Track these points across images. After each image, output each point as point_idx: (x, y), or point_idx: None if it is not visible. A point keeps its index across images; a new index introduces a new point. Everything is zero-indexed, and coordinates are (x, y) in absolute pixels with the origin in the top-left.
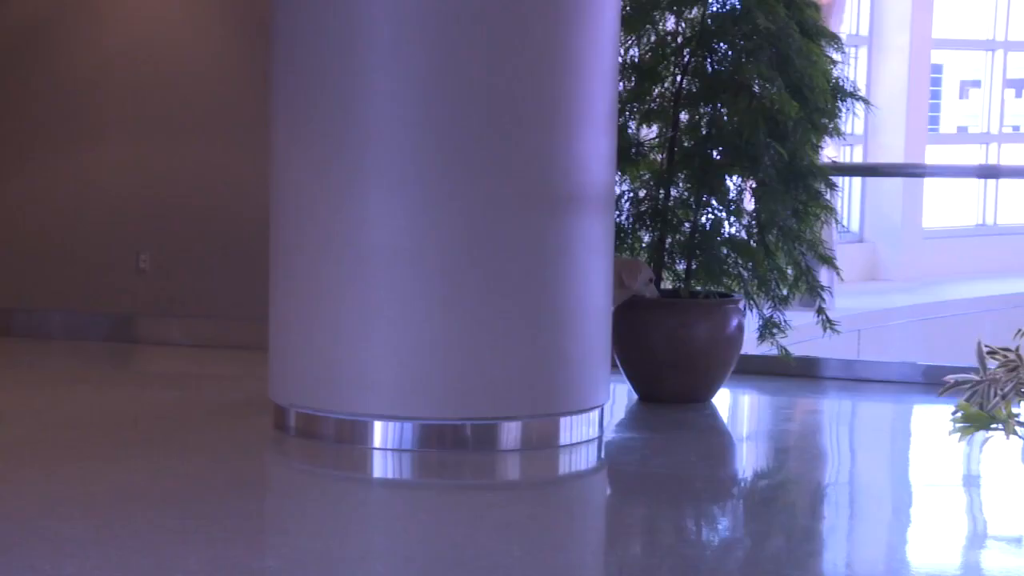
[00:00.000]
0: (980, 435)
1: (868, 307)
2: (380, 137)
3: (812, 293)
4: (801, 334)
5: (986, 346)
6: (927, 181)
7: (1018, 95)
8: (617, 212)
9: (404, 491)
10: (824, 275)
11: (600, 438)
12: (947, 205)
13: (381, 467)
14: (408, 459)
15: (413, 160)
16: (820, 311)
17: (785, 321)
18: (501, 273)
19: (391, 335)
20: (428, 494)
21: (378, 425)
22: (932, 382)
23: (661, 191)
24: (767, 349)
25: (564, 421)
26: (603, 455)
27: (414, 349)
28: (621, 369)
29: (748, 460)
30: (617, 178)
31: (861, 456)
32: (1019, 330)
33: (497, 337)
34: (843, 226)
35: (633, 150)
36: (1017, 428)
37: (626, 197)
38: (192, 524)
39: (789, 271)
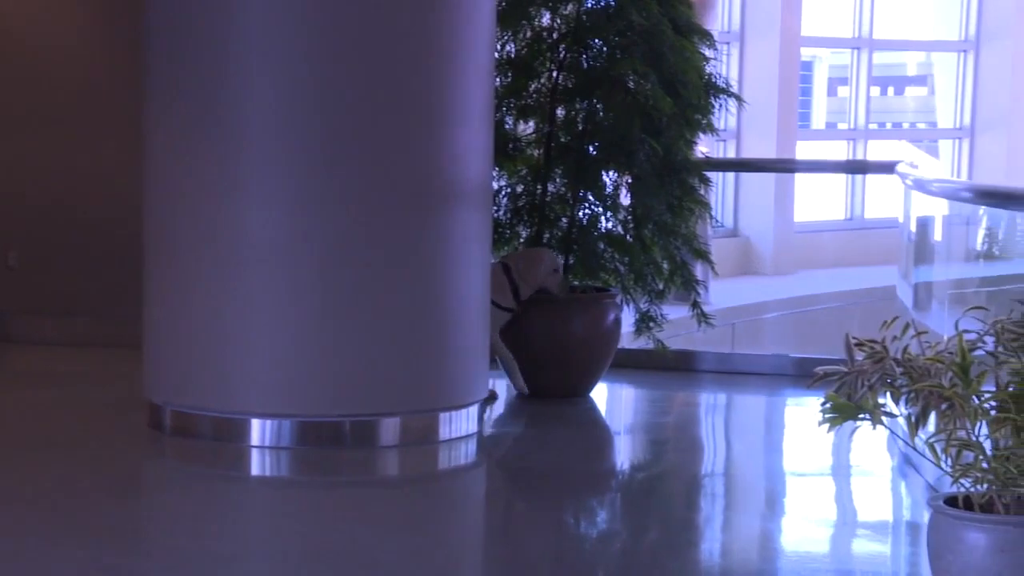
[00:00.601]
0: (848, 425)
1: (742, 301)
2: (256, 132)
3: (687, 287)
4: (677, 328)
5: (854, 338)
6: (798, 176)
7: (883, 92)
8: (495, 207)
9: (282, 489)
10: (699, 269)
11: (479, 433)
12: (817, 200)
13: (259, 465)
14: (286, 457)
15: (289, 156)
16: (695, 305)
17: (661, 315)
18: (378, 268)
19: (268, 332)
20: (306, 491)
21: (255, 423)
22: (803, 374)
23: (538, 186)
24: (644, 343)
25: (443, 416)
26: (482, 450)
27: (291, 346)
28: (500, 362)
29: (626, 453)
30: (495, 173)
31: (736, 447)
32: (885, 322)
33: (374, 333)
34: (717, 220)
35: (510, 145)
36: (883, 418)
37: (504, 192)
38: (65, 525)
39: (665, 265)
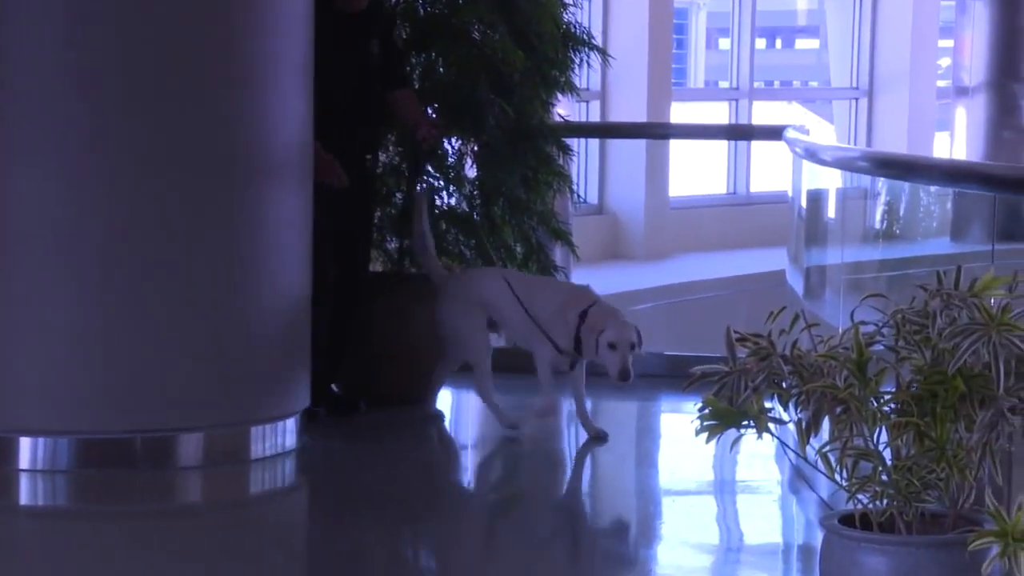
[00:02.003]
0: (731, 434)
1: (609, 289)
2: (26, 101)
3: (544, 274)
4: None
5: (736, 332)
6: (673, 143)
7: (770, 45)
8: None
9: (58, 521)
10: (558, 253)
11: (299, 450)
12: (696, 171)
13: (29, 492)
14: (63, 481)
15: (65, 128)
16: None
17: None
18: (173, 258)
19: (40, 336)
20: (89, 523)
21: (25, 442)
22: (679, 375)
23: (368, 156)
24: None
25: (255, 431)
26: (303, 469)
27: (68, 351)
28: None
29: (474, 471)
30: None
31: (602, 462)
32: (771, 313)
33: (170, 334)
34: (579, 196)
35: None
36: (770, 425)
37: None
38: None
39: (518, 249)
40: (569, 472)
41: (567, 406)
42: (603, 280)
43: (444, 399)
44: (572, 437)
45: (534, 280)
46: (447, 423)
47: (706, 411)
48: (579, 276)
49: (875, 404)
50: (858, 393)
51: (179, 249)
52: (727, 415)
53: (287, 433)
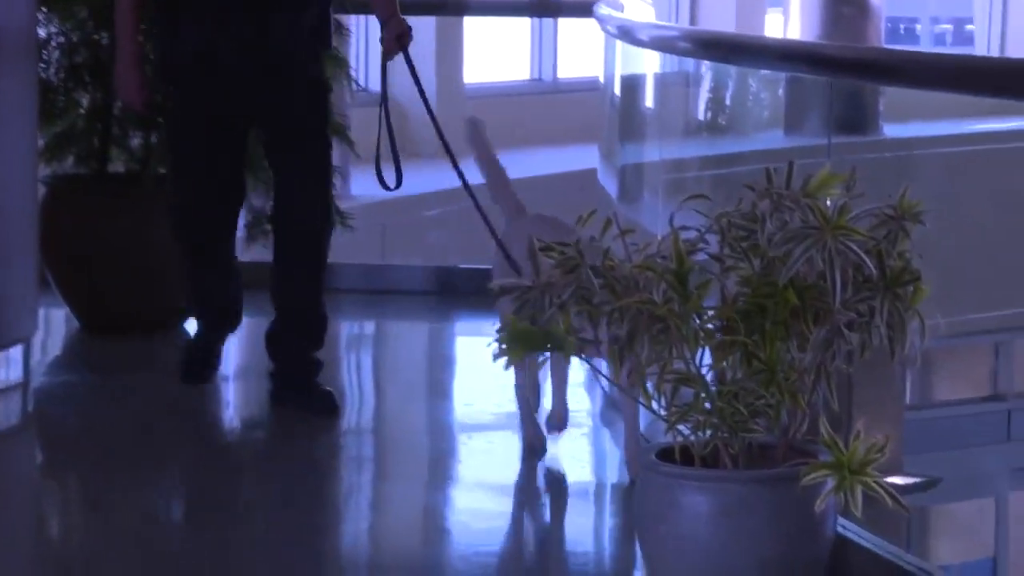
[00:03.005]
0: (535, 358)
1: (394, 192)
2: None
3: None
4: None
5: (539, 240)
6: (468, 21)
7: None
8: (42, 64)
9: None
10: (336, 151)
11: (26, 384)
12: (494, 54)
13: None
14: None
15: None
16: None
17: None
18: None
19: None
20: None
21: None
22: (476, 291)
23: (103, 35)
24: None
25: None
26: (30, 407)
27: None
28: (55, 288)
29: (234, 407)
30: (40, 16)
31: (387, 394)
32: (580, 217)
33: None
34: (358, 84)
35: None
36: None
37: (55, 43)
38: None
39: None
40: (349, 407)
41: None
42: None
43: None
44: (353, 365)
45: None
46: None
47: (505, 332)
48: (359, 178)
49: (697, 322)
50: (678, 309)
51: None
52: (529, 336)
53: (12, 365)
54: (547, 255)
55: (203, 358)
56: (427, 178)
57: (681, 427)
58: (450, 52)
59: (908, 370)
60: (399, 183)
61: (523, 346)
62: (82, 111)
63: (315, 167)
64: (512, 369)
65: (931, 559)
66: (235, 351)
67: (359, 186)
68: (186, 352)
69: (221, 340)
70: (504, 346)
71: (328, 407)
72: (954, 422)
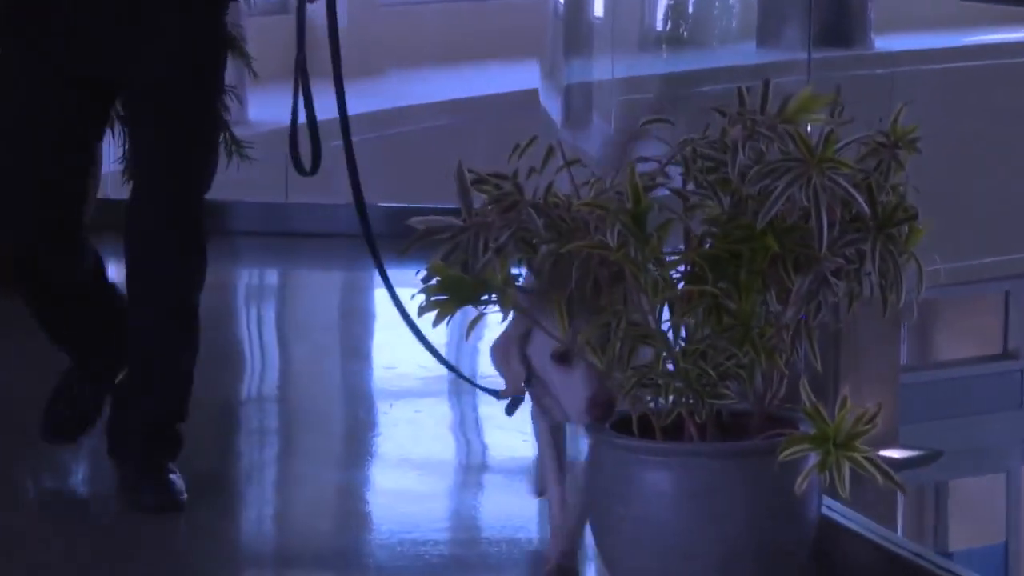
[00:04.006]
0: (467, 312)
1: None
2: None
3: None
4: None
5: (471, 173)
6: None
7: None
8: None
9: None
10: (231, 70)
11: None
12: None
13: None
14: None
15: None
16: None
17: None
18: None
19: None
20: None
21: None
22: (399, 233)
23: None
24: None
25: None
26: None
27: None
28: None
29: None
30: None
31: (296, 356)
32: (517, 146)
33: None
34: None
35: None
36: (520, 298)
37: None
38: None
39: None
40: (249, 370)
41: None
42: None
43: None
44: (254, 320)
45: None
46: None
47: (433, 282)
48: (257, 101)
49: (656, 269)
50: (634, 255)
51: None
52: (461, 287)
53: None
54: (480, 190)
55: (73, 407)
56: (335, 100)
57: (639, 393)
58: None
59: (904, 325)
60: (316, 167)
61: (455, 298)
62: None
63: (179, 163)
64: (432, 320)
65: (930, 544)
66: None
67: (258, 110)
68: (52, 396)
69: (103, 382)
70: (432, 298)
71: (168, 504)
72: (958, 385)
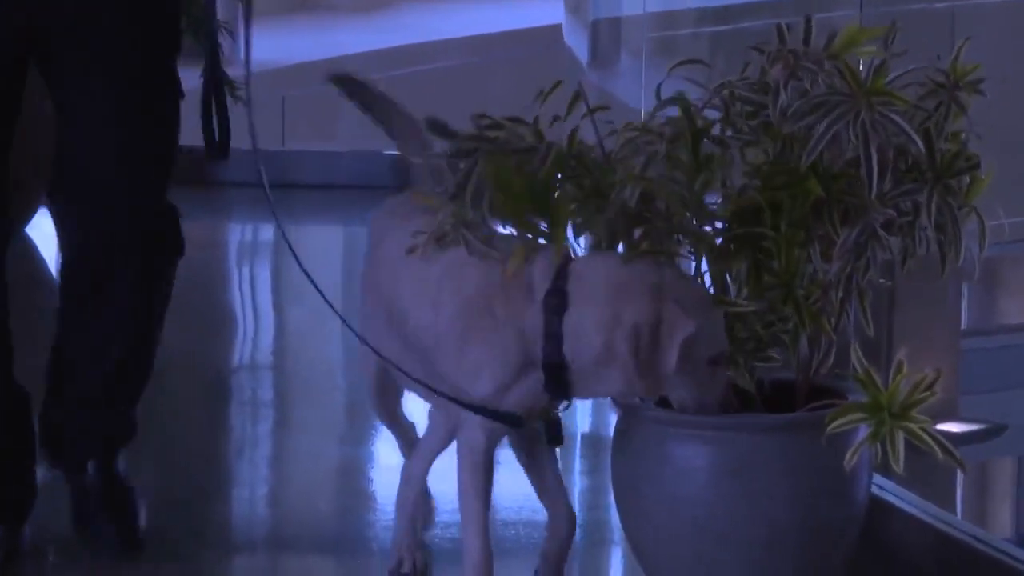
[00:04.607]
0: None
1: (295, 55)
2: None
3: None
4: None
5: (486, 119)
6: None
7: None
8: None
9: None
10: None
11: None
12: None
13: None
14: None
15: None
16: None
17: None
18: None
19: None
20: None
21: None
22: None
23: None
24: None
25: None
26: None
27: None
28: None
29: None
30: None
31: (291, 319)
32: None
33: None
34: None
35: None
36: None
37: None
38: None
39: None
40: (242, 334)
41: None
42: (289, 43)
43: (43, 226)
44: (243, 281)
45: None
46: (48, 260)
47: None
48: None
49: (694, 220)
50: (685, 191)
51: None
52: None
53: None
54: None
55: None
56: (341, 37)
57: None
58: None
59: (965, 285)
60: (224, 151)
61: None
62: None
63: (136, 142)
64: None
65: (992, 528)
66: None
67: (254, 48)
68: None
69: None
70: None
71: (129, 542)
72: None
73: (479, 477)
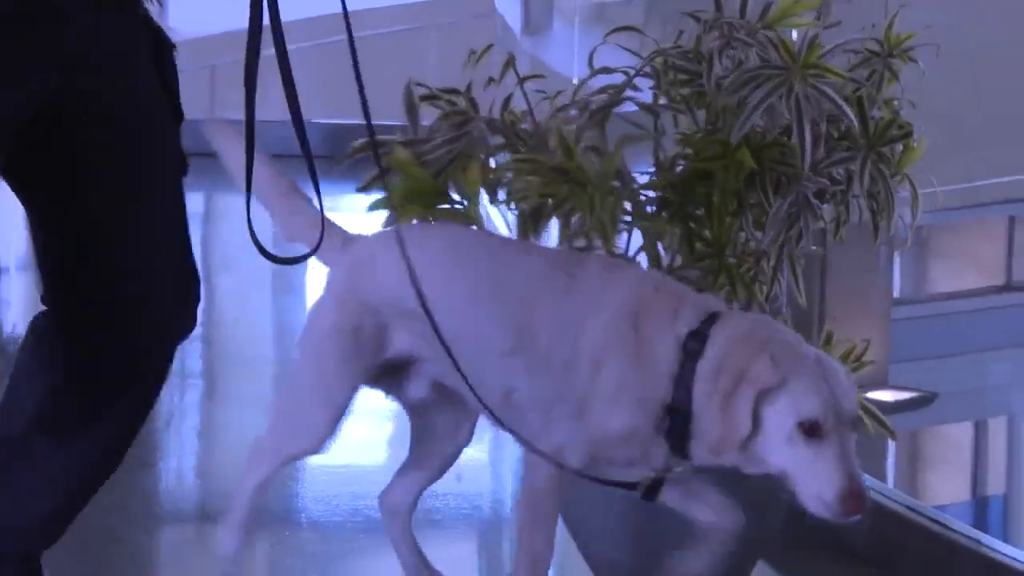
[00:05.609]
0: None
1: (222, 24)
2: None
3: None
4: None
5: (420, 86)
6: None
7: None
8: None
9: None
10: None
11: None
12: None
13: None
14: None
15: None
16: None
17: None
18: None
19: None
20: None
21: None
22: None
23: None
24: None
25: None
26: None
27: None
28: None
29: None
30: None
31: (220, 289)
32: (471, 53)
33: None
34: None
35: None
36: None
37: None
38: None
39: None
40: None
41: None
42: (219, 11)
43: None
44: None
45: None
46: None
47: (378, 201)
48: (180, 5)
49: (621, 188)
50: (596, 170)
51: None
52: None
53: None
54: (433, 105)
55: None
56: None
57: None
58: None
59: (896, 253)
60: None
61: (419, 202)
62: None
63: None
64: None
65: (923, 497)
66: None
67: (179, 15)
68: None
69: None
70: (393, 203)
71: None
72: (956, 320)
73: (545, 526)
